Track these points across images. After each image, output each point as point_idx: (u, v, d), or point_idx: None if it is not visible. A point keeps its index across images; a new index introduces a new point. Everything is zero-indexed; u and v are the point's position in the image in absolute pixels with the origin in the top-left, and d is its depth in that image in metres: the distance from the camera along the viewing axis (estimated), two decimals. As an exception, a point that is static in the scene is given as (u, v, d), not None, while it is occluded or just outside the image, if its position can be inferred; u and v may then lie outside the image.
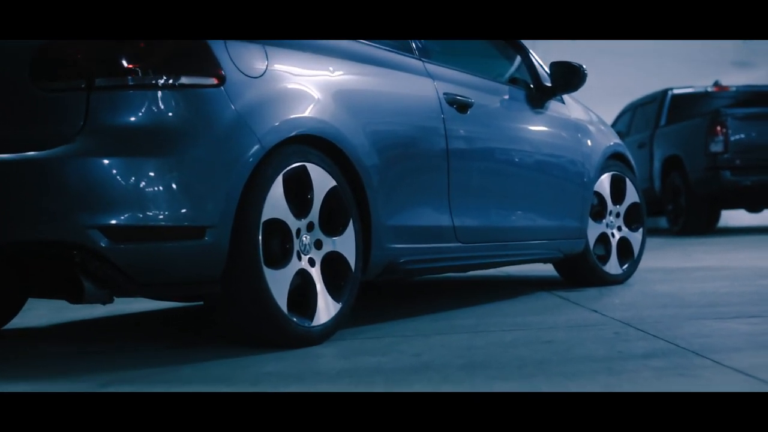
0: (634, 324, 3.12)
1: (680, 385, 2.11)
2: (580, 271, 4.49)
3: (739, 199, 10.39)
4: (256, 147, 2.70)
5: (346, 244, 3.01)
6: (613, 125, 12.95)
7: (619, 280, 4.59)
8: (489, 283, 4.99)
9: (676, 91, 11.59)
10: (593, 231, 4.45)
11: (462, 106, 3.61)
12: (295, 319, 2.79)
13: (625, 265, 4.62)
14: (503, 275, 5.44)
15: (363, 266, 3.13)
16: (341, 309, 2.97)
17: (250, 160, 2.69)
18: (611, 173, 4.58)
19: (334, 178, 2.98)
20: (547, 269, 4.94)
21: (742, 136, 9.94)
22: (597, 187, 4.47)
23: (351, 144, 3.04)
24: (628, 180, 4.67)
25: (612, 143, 4.65)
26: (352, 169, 3.06)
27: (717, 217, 11.57)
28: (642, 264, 5.40)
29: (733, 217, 13.45)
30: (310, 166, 2.89)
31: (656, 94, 11.85)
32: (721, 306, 3.55)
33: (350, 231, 3.03)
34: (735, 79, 13.36)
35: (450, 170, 3.49)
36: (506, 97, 4.02)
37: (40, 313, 4.10)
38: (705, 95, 11.48)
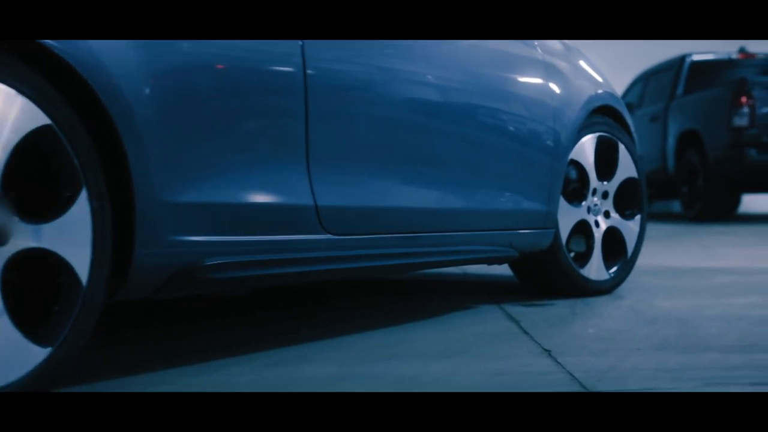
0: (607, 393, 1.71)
1: None
2: (547, 274, 3.07)
3: (766, 181, 8.92)
4: None
5: (67, 235, 1.62)
6: (624, 97, 11.50)
7: (605, 288, 3.18)
8: (425, 285, 3.59)
9: (695, 58, 10.15)
10: (568, 217, 3.03)
11: (338, 9, 2.18)
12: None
13: (614, 268, 3.20)
14: (455, 274, 4.02)
15: (114, 276, 1.74)
16: (51, 355, 1.59)
17: None
18: (597, 135, 3.14)
19: (45, 111, 1.58)
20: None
21: (771, 108, 8.47)
22: (575, 155, 3.04)
23: (90, 51, 1.64)
24: (621, 145, 3.24)
25: (599, 91, 3.21)
26: (92, 98, 1.66)
27: (737, 201, 10.14)
28: (644, 260, 4.01)
29: (755, 202, 11.98)
30: (-22, 86, 1.50)
31: (672, 60, 10.40)
32: (758, 350, 2.14)
33: (80, 211, 1.64)
34: (762, 45, 11.79)
35: (310, 114, 2.07)
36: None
37: None
38: (728, 63, 10.02)
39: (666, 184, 9.91)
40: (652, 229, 8.02)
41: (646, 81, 11.03)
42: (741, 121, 8.49)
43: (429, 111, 2.44)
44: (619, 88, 11.90)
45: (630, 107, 11.02)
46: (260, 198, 1.99)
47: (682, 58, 10.22)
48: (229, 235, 1.94)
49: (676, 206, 10.95)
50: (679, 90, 9.97)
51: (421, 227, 2.43)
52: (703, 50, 10.27)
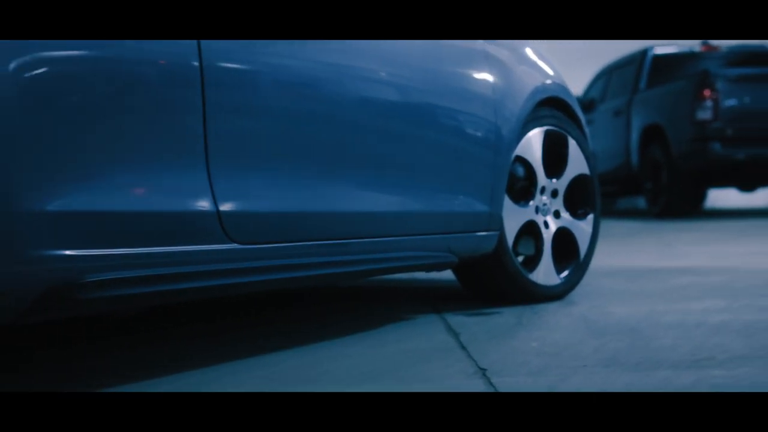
0: (539, 422, 1.49)
1: None
2: (493, 280, 2.86)
3: (730, 175, 8.81)
4: None
5: None
6: (587, 92, 11.37)
7: (556, 294, 2.97)
8: (368, 292, 3.35)
9: (657, 51, 10.03)
10: (514, 218, 2.82)
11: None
12: None
13: (566, 272, 2.99)
14: (402, 279, 3.79)
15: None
16: None
17: None
18: (544, 128, 2.93)
19: None
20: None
21: (735, 101, 8.36)
22: (520, 150, 2.83)
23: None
24: (571, 140, 3.03)
25: (546, 82, 3.00)
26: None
27: (703, 196, 10.03)
28: (602, 260, 3.85)
29: (721, 198, 11.89)
30: None
31: (635, 54, 10.27)
32: (714, 364, 1.92)
33: None
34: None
35: (208, 107, 1.83)
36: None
37: None
38: (691, 56, 9.90)
39: (630, 180, 9.77)
40: (614, 226, 7.85)
41: (609, 75, 10.89)
42: (704, 115, 8.35)
43: (353, 105, 2.20)
44: (582, 84, 11.76)
45: (593, 102, 10.88)
46: (151, 204, 1.75)
47: (644, 52, 10.09)
48: (115, 247, 1.70)
49: (641, 202, 10.83)
50: (642, 84, 9.83)
51: (349, 233, 2.20)
52: (666, 43, 10.14)
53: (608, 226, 7.79)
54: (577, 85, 11.71)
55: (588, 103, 11.02)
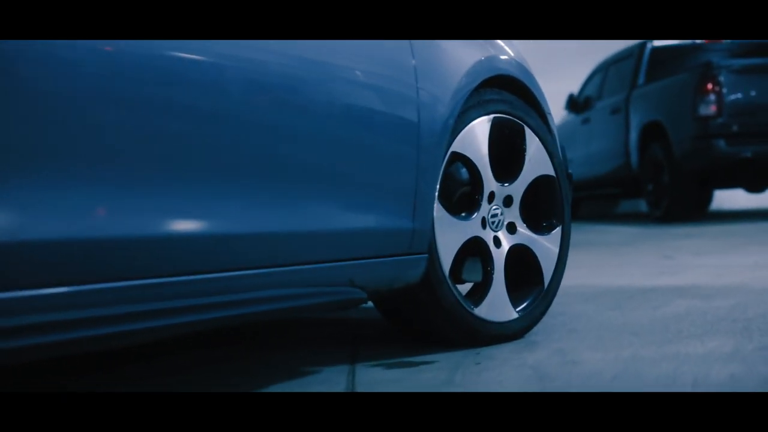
0: None
1: None
2: (425, 317, 2.16)
3: (737, 175, 8.11)
4: None
5: None
6: (583, 89, 10.69)
7: (512, 332, 2.27)
8: (272, 327, 2.66)
9: (656, 43, 9.36)
10: (452, 235, 2.12)
11: None
12: None
13: (524, 303, 2.30)
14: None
15: None
16: None
17: None
18: (491, 116, 2.23)
19: None
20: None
21: (740, 95, 7.69)
22: (459, 146, 2.13)
23: None
24: (529, 131, 2.33)
25: (499, 56, 2.31)
26: None
27: (708, 198, 9.34)
28: (585, 278, 3.17)
29: (728, 199, 11.19)
30: None
31: (632, 47, 9.62)
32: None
33: None
34: (729, 29, 10.97)
35: None
36: None
37: None
38: (692, 48, 9.25)
39: (630, 182, 9.11)
40: (610, 232, 7.16)
41: (606, 71, 10.22)
42: (707, 110, 7.68)
43: (184, 81, 1.50)
44: (578, 81, 11.07)
45: (589, 100, 10.20)
46: None
47: (642, 45, 9.44)
48: None
49: (643, 205, 10.15)
50: (641, 79, 9.17)
51: (178, 267, 1.49)
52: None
53: (604, 232, 7.13)
54: (573, 83, 11.03)
55: (584, 101, 10.36)
